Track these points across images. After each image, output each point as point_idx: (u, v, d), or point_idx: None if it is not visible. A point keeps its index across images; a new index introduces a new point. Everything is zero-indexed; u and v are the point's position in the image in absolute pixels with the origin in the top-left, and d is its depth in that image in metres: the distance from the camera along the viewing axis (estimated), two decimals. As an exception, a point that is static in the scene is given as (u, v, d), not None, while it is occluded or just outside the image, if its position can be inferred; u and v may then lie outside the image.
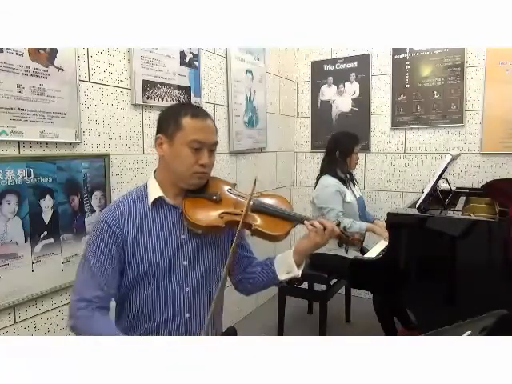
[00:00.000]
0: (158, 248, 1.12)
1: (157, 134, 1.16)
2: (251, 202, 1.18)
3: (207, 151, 1.13)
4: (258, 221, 1.17)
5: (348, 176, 2.54)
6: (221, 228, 1.13)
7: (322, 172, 2.53)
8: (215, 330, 1.24)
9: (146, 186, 1.19)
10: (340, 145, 2.48)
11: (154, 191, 1.16)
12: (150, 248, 1.12)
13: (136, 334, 1.14)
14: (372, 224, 2.47)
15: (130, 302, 1.15)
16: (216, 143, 1.17)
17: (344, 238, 1.22)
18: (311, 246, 1.18)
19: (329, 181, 2.43)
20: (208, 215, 1.14)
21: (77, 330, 1.05)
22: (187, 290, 1.15)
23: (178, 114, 1.12)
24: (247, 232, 1.21)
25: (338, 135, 2.58)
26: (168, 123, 1.13)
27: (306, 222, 1.18)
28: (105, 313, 1.08)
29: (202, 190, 1.18)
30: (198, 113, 1.14)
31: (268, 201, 1.23)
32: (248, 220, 1.15)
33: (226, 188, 1.24)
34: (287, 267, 1.21)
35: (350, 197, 2.44)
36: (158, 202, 1.15)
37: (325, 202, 2.39)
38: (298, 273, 1.20)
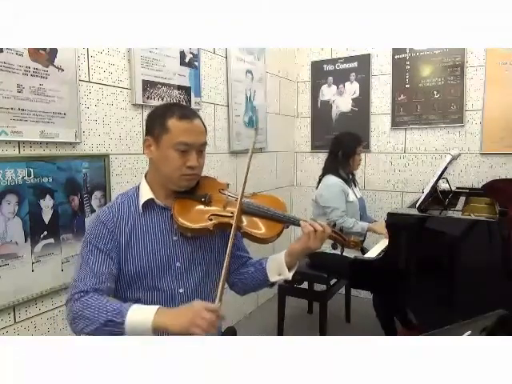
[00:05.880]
0: (150, 250, 1.12)
1: (145, 135, 1.15)
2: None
3: (195, 152, 1.11)
4: (247, 223, 1.15)
5: (350, 176, 2.55)
6: (209, 230, 1.11)
7: (325, 172, 2.53)
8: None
9: (138, 188, 1.19)
10: (343, 145, 2.48)
11: (145, 193, 1.15)
12: (143, 249, 1.12)
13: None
14: (372, 224, 2.47)
15: (126, 301, 1.14)
16: (205, 144, 1.15)
17: (339, 240, 1.20)
18: (303, 249, 1.16)
19: (333, 180, 2.43)
20: (196, 217, 1.12)
21: (77, 317, 0.99)
22: (181, 291, 1.14)
23: (164, 116, 1.10)
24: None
25: (341, 136, 2.58)
26: (154, 125, 1.12)
27: (301, 222, 1.16)
28: (103, 295, 1.04)
29: (193, 190, 1.16)
30: (185, 113, 1.11)
31: (259, 202, 1.19)
32: (238, 222, 1.12)
33: (218, 188, 1.21)
34: (278, 269, 1.19)
35: (352, 197, 2.45)
36: (150, 203, 1.15)
37: (328, 202, 2.39)
38: (288, 275, 1.17)
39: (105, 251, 1.08)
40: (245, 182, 1.14)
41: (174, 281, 1.14)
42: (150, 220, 1.14)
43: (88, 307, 0.99)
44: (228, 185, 1.26)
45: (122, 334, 0.95)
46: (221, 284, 1.00)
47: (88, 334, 0.99)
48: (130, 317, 0.95)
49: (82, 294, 1.02)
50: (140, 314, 0.96)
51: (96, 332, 0.97)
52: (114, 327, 0.95)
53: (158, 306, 0.97)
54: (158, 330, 0.94)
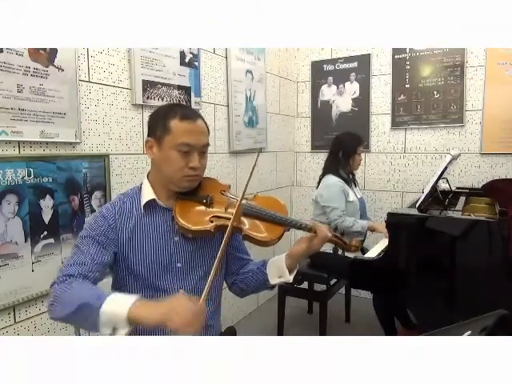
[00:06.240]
0: (151, 250, 1.12)
1: (147, 136, 1.15)
2: (242, 203, 1.14)
3: (198, 153, 1.10)
4: (248, 225, 1.14)
5: (350, 176, 2.55)
6: (210, 232, 1.10)
7: (326, 171, 2.53)
8: (214, 330, 1.23)
9: (140, 188, 1.19)
10: (343, 145, 2.49)
11: (147, 194, 1.15)
12: (144, 250, 1.12)
13: (133, 334, 1.14)
14: (373, 223, 2.48)
15: None
16: (207, 145, 1.15)
17: (340, 244, 1.21)
18: (304, 251, 1.16)
19: (333, 180, 2.44)
20: (197, 219, 1.11)
21: (57, 301, 0.97)
22: (182, 291, 1.14)
23: (166, 117, 1.10)
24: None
25: (341, 136, 2.58)
26: (156, 126, 1.11)
27: (302, 226, 1.16)
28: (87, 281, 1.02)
29: (194, 192, 1.16)
30: (188, 114, 1.11)
31: (260, 204, 1.19)
32: (238, 224, 1.12)
33: (219, 190, 1.21)
34: (279, 272, 1.19)
35: (352, 196, 2.45)
36: (151, 204, 1.15)
37: (328, 201, 2.40)
38: (289, 278, 1.17)
39: (100, 242, 1.07)
40: (245, 189, 1.12)
41: (175, 281, 1.14)
42: (152, 220, 1.14)
43: (68, 289, 0.96)
44: (230, 186, 1.25)
45: (96, 324, 0.90)
46: (208, 284, 0.96)
47: (63, 320, 0.98)
48: (108, 303, 0.91)
49: (66, 277, 1.00)
50: (116, 303, 0.91)
51: (70, 318, 0.95)
52: (89, 312, 0.91)
53: (136, 297, 0.93)
54: (134, 322, 0.90)
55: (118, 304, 0.91)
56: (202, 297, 0.95)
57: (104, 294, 0.94)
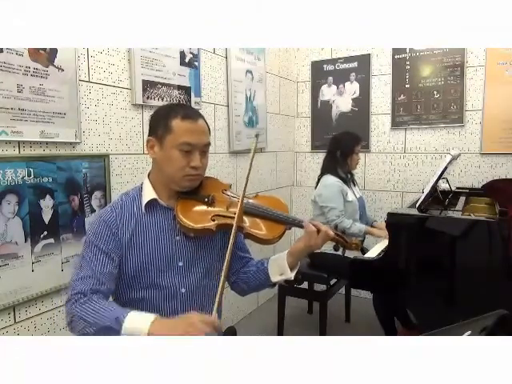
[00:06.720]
0: (152, 249, 1.12)
1: (148, 136, 1.15)
2: (244, 201, 1.15)
3: (199, 153, 1.11)
4: (250, 224, 1.15)
5: (349, 176, 2.55)
6: (212, 231, 1.11)
7: (324, 171, 2.53)
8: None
9: (141, 188, 1.19)
10: (341, 145, 2.49)
11: (148, 193, 1.15)
12: (145, 249, 1.12)
13: None
14: (371, 227, 2.48)
15: (127, 301, 1.15)
16: (208, 144, 1.15)
17: (341, 242, 1.21)
18: (305, 249, 1.16)
19: (331, 180, 2.44)
20: (199, 218, 1.12)
21: (76, 319, 0.99)
22: (183, 290, 1.15)
23: (167, 116, 1.11)
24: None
25: (339, 135, 2.59)
26: (158, 126, 1.12)
27: (304, 223, 1.16)
28: (102, 297, 1.04)
29: (196, 191, 1.17)
30: (189, 114, 1.12)
31: (261, 203, 1.20)
32: (240, 223, 1.12)
33: (221, 189, 1.22)
34: (280, 269, 1.20)
35: (351, 196, 2.45)
36: (153, 203, 1.15)
37: (326, 201, 2.40)
38: (290, 275, 1.18)
39: (106, 252, 1.08)
40: (245, 185, 1.14)
41: (176, 280, 1.15)
42: (153, 220, 1.15)
43: (86, 311, 0.98)
44: (231, 185, 1.26)
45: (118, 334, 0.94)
46: (218, 296, 0.98)
47: (86, 334, 0.99)
48: (126, 326, 0.93)
49: (81, 295, 1.01)
50: (136, 322, 0.94)
51: (94, 334, 0.97)
52: (111, 332, 0.94)
53: (154, 316, 0.94)
54: None
55: (136, 325, 0.93)
56: (215, 308, 0.97)
57: (122, 314, 0.95)
